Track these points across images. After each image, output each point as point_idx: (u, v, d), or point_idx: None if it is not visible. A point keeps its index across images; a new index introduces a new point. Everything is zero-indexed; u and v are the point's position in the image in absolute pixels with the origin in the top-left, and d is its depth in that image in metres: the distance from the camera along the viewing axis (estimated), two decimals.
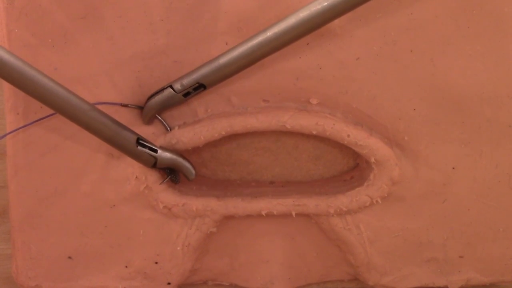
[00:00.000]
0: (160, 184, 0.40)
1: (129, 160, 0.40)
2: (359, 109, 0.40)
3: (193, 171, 0.39)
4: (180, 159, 0.38)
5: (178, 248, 0.43)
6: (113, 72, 0.39)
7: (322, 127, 0.40)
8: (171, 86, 0.37)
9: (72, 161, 0.41)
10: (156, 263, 0.43)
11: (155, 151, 0.37)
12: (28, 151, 0.40)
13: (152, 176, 0.41)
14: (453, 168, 0.41)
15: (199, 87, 0.37)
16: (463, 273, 0.44)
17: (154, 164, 0.38)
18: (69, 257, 0.43)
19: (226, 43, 0.39)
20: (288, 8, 0.37)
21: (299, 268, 0.46)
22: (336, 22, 0.38)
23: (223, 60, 0.36)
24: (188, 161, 0.39)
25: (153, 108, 0.38)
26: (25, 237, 0.42)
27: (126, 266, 0.43)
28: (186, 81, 0.37)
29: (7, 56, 0.31)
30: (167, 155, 0.38)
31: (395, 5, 0.37)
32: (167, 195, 0.41)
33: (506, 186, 0.42)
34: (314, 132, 0.40)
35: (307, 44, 0.39)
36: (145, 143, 0.37)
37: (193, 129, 0.40)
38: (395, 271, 0.44)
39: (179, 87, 0.37)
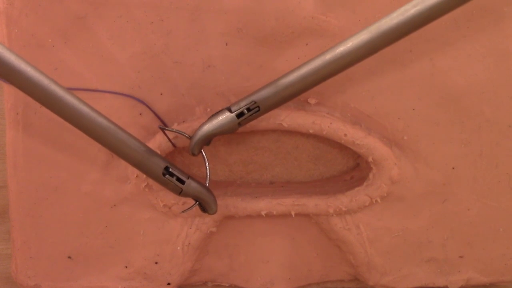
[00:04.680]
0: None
1: None
2: (358, 108, 0.40)
3: (214, 208, 0.38)
4: (205, 192, 0.37)
5: (178, 248, 0.43)
6: (113, 72, 0.39)
7: (319, 126, 0.40)
8: (227, 109, 0.36)
9: (73, 161, 0.41)
10: (156, 263, 0.43)
11: (183, 182, 0.36)
12: (28, 151, 0.40)
13: None
14: (453, 168, 0.41)
15: (254, 108, 0.35)
16: (463, 273, 0.44)
17: (180, 192, 0.37)
18: (69, 257, 0.43)
19: (226, 44, 0.39)
20: (288, 9, 0.37)
21: (299, 268, 0.46)
22: (335, 22, 0.38)
23: (282, 82, 0.35)
24: (213, 195, 0.38)
25: (205, 134, 0.36)
26: (25, 237, 0.42)
27: (126, 267, 0.43)
28: (242, 102, 0.35)
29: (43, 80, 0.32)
30: (194, 186, 0.37)
31: (394, 5, 0.37)
32: (167, 194, 0.41)
33: (506, 186, 0.42)
34: (311, 131, 0.40)
35: (306, 44, 0.39)
36: (174, 172, 0.36)
37: (191, 127, 0.40)
38: (395, 271, 0.44)
39: (235, 108, 0.36)
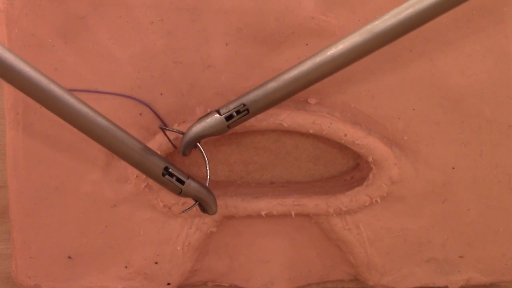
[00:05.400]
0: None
1: None
2: (358, 108, 0.40)
3: (214, 208, 0.38)
4: (205, 192, 0.37)
5: (178, 248, 0.43)
6: (113, 72, 0.39)
7: (319, 126, 0.40)
8: (217, 111, 0.36)
9: (73, 161, 0.41)
10: (156, 263, 0.43)
11: (182, 182, 0.36)
12: (28, 151, 0.40)
13: None
14: (453, 168, 0.41)
15: (243, 111, 0.35)
16: (463, 273, 0.44)
17: (180, 193, 0.37)
18: (69, 257, 0.43)
19: (226, 44, 0.39)
20: (288, 9, 0.37)
21: (299, 268, 0.46)
22: (335, 22, 0.38)
23: (271, 85, 0.35)
24: (213, 195, 0.38)
25: (194, 136, 0.36)
26: (25, 237, 0.42)
27: (126, 267, 0.43)
28: (231, 105, 0.35)
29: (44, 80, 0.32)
30: (194, 186, 0.37)
31: (394, 6, 0.37)
32: (167, 194, 0.41)
33: (506, 186, 0.42)
34: (311, 131, 0.40)
35: (306, 44, 0.39)
36: (173, 173, 0.36)
37: None
38: (395, 271, 0.44)
39: (224, 110, 0.36)
